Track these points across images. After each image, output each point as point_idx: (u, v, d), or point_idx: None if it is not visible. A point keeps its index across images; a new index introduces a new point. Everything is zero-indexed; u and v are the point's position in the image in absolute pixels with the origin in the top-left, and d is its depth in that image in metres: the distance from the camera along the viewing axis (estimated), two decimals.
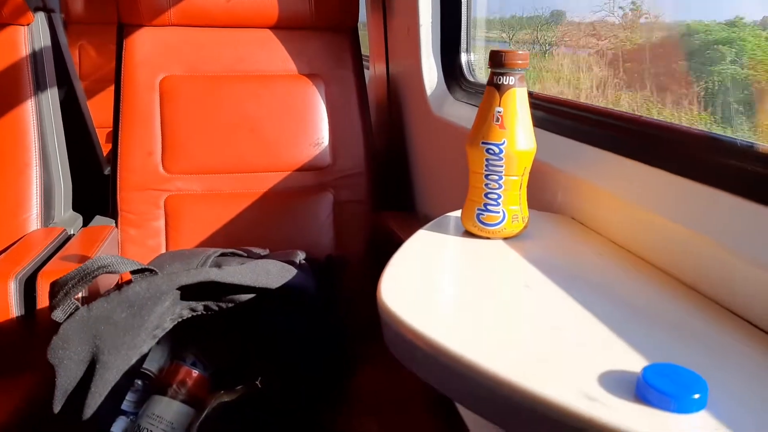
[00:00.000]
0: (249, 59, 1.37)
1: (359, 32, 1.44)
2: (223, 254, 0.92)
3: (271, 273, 0.81)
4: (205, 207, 1.31)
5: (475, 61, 1.27)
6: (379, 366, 1.13)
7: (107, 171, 1.57)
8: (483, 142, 0.64)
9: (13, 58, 1.25)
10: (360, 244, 1.35)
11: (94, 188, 1.41)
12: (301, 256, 0.96)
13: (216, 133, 1.33)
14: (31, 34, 1.28)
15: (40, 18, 1.32)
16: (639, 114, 0.81)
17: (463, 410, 0.76)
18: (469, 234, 0.69)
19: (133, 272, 0.76)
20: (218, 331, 0.86)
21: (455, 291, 0.59)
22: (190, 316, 0.80)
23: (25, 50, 1.26)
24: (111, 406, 0.75)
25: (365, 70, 1.45)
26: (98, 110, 1.65)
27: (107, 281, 0.98)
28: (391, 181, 1.47)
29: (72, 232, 1.24)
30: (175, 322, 0.79)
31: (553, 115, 0.90)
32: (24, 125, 1.24)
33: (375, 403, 0.99)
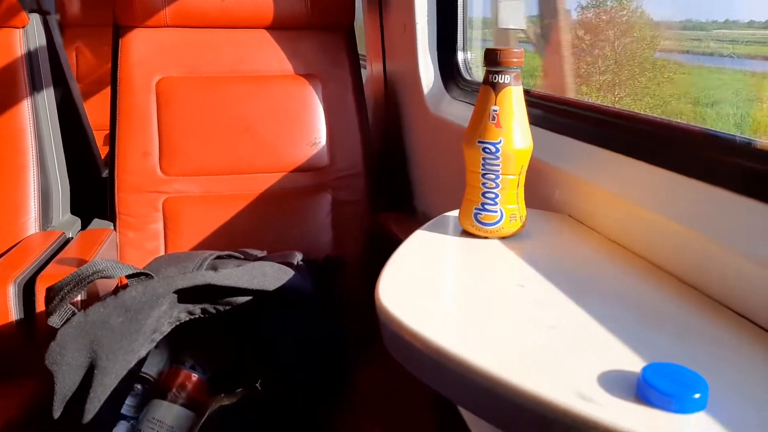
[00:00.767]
0: (245, 60, 1.37)
1: (355, 31, 1.44)
2: (219, 257, 0.92)
3: (268, 275, 0.81)
4: (203, 209, 1.31)
5: (471, 59, 1.26)
6: (378, 367, 1.13)
7: (105, 173, 1.57)
8: (479, 141, 0.64)
9: (8, 60, 1.24)
10: (358, 245, 1.35)
11: (92, 191, 1.41)
12: (298, 257, 0.96)
13: (213, 134, 1.33)
14: (27, 37, 1.28)
15: (35, 20, 1.32)
16: (636, 111, 0.81)
17: (464, 411, 0.75)
18: (467, 234, 0.69)
19: (128, 276, 0.76)
20: (216, 334, 0.85)
21: (453, 291, 0.59)
22: (187, 319, 0.80)
23: (20, 52, 1.26)
24: (111, 411, 0.74)
25: (362, 70, 1.44)
26: (95, 112, 1.65)
27: (105, 285, 0.98)
28: (389, 180, 1.47)
29: (70, 236, 1.24)
30: (173, 326, 0.79)
31: (550, 113, 0.90)
32: (20, 128, 1.23)
33: (375, 405, 0.99)
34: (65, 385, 0.71)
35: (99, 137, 1.61)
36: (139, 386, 0.80)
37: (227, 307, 0.79)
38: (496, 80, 0.63)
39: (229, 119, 1.34)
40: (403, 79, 1.40)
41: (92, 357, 0.70)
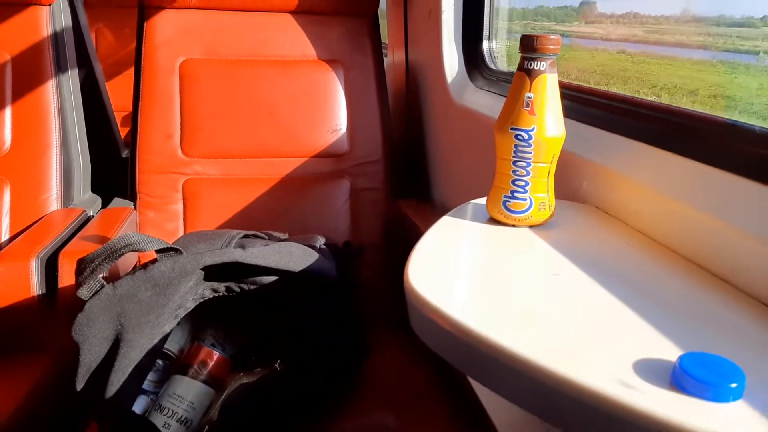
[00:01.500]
0: (269, 44, 1.37)
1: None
2: (245, 236, 0.92)
3: (294, 256, 0.81)
4: (223, 191, 1.31)
5: (497, 48, 1.26)
6: (393, 352, 1.14)
7: (125, 154, 1.58)
8: (512, 128, 0.64)
9: (35, 37, 1.25)
10: (376, 232, 1.35)
11: (112, 170, 1.42)
12: (321, 241, 0.96)
13: (235, 117, 1.33)
14: (53, 15, 1.28)
15: None
16: (664, 102, 0.80)
17: (483, 398, 0.76)
18: (494, 221, 0.69)
19: (158, 251, 0.76)
20: (237, 313, 0.86)
21: (482, 276, 0.59)
22: (211, 296, 0.80)
23: (46, 30, 1.26)
24: (133, 385, 0.75)
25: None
26: (114, 94, 1.65)
27: (126, 262, 0.98)
28: (407, 169, 1.47)
29: (91, 214, 1.25)
30: (197, 303, 0.80)
31: (578, 104, 0.89)
32: (45, 105, 1.24)
33: (390, 390, 0.99)
34: (90, 356, 0.72)
35: (117, 118, 1.62)
36: (160, 362, 0.81)
37: (252, 286, 0.79)
38: (531, 67, 0.62)
39: (251, 103, 1.34)
40: (425, 67, 1.39)
41: (119, 330, 0.71)
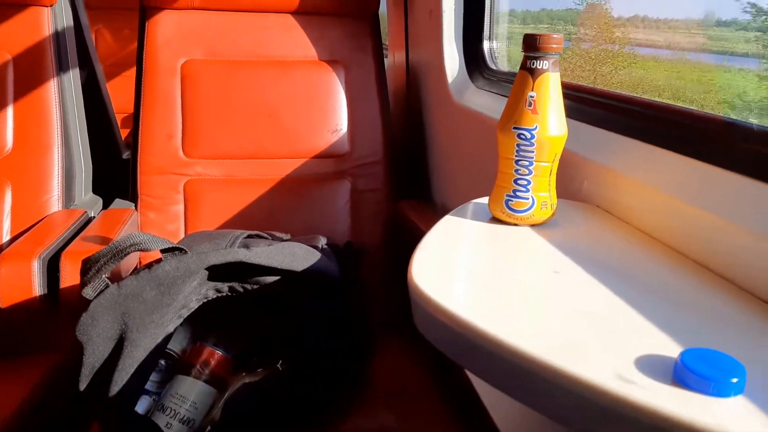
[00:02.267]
0: (270, 44, 1.37)
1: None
2: (249, 236, 0.92)
3: (298, 256, 0.81)
4: (224, 192, 1.31)
5: (497, 48, 1.26)
6: (394, 354, 1.14)
7: (125, 155, 1.58)
8: (515, 127, 0.64)
9: (36, 38, 1.25)
10: (377, 233, 1.35)
11: (113, 172, 1.42)
12: (323, 241, 0.96)
13: (236, 118, 1.33)
14: (54, 15, 1.28)
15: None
16: (666, 102, 0.80)
17: (484, 396, 0.76)
18: (496, 220, 0.69)
19: (163, 251, 0.76)
20: (240, 314, 0.86)
21: (485, 274, 0.59)
22: (215, 297, 0.80)
23: (48, 31, 1.26)
24: (136, 385, 0.75)
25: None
26: (113, 95, 1.66)
27: (128, 262, 0.98)
28: (408, 169, 1.47)
29: (93, 215, 1.25)
30: (201, 303, 0.80)
31: (578, 103, 0.90)
32: (47, 106, 1.24)
33: (391, 391, 0.99)
34: (94, 356, 0.72)
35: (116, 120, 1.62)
36: (163, 362, 0.81)
37: (255, 287, 0.79)
38: (534, 66, 0.63)
39: (253, 104, 1.34)
40: (426, 67, 1.39)
41: (123, 329, 0.71)
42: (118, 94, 1.69)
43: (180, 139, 1.31)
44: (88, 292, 0.71)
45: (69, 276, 0.94)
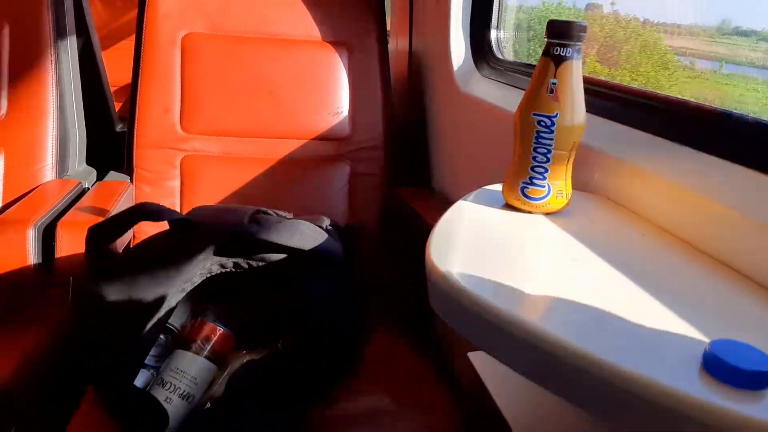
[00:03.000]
0: (273, 21, 1.35)
1: None
2: (256, 212, 0.91)
3: (305, 234, 0.80)
4: (221, 169, 1.30)
5: (505, 38, 1.25)
6: (390, 336, 1.14)
7: (119, 128, 1.55)
8: (534, 114, 0.63)
9: (35, 5, 1.22)
10: (374, 218, 1.34)
11: (107, 144, 1.39)
12: (327, 222, 0.95)
13: (236, 95, 1.31)
14: None
15: None
16: (678, 95, 0.81)
17: (488, 382, 0.76)
18: (509, 207, 0.69)
19: (170, 222, 0.75)
20: (241, 291, 0.85)
21: (503, 258, 0.59)
22: (219, 272, 0.79)
23: None
24: (136, 359, 0.74)
25: None
26: (106, 68, 1.62)
27: (127, 234, 0.96)
28: (408, 156, 1.46)
29: (87, 186, 1.23)
30: (204, 278, 0.79)
31: (590, 95, 0.89)
32: (42, 73, 1.21)
33: (386, 373, 0.99)
34: (94, 327, 0.70)
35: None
36: (162, 337, 0.80)
37: (260, 264, 0.78)
38: (557, 53, 0.62)
39: (253, 81, 1.32)
40: (431, 54, 1.38)
41: (126, 301, 0.70)
42: (111, 66, 1.65)
43: (178, 113, 1.29)
44: (93, 261, 0.69)
45: (65, 245, 0.92)
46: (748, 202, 0.58)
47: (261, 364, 0.77)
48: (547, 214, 0.67)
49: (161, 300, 0.72)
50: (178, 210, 1.27)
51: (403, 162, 1.43)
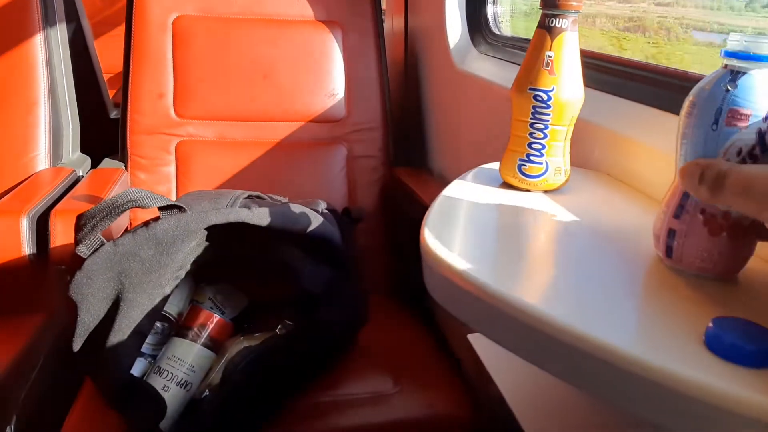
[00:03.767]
0: (266, 1, 1.33)
1: None
2: (249, 197, 0.90)
3: (300, 219, 0.79)
4: (216, 154, 1.28)
5: (501, 13, 1.23)
6: (390, 319, 1.13)
7: (113, 114, 1.54)
8: (531, 88, 0.62)
9: None
10: (373, 199, 1.33)
11: (101, 131, 1.38)
12: (323, 206, 0.94)
13: (229, 78, 1.29)
14: None
15: None
16: (678, 68, 0.78)
17: (489, 365, 0.75)
18: (507, 186, 0.67)
19: (161, 208, 0.73)
20: (238, 276, 0.84)
21: (499, 238, 0.57)
22: (212, 258, 0.78)
23: None
24: (132, 347, 0.73)
25: None
26: (99, 55, 1.60)
27: (120, 221, 0.95)
28: (405, 136, 1.45)
29: (81, 174, 1.21)
30: (197, 264, 0.77)
31: (589, 69, 0.87)
32: (32, 61, 1.19)
33: (387, 355, 0.98)
34: (89, 317, 0.69)
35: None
36: (159, 325, 0.79)
37: (254, 248, 0.77)
38: (552, 24, 0.60)
39: (246, 63, 1.30)
40: (426, 31, 1.36)
41: (119, 289, 0.69)
42: (106, 53, 1.63)
43: (171, 98, 1.27)
44: (83, 249, 0.68)
45: (59, 234, 0.91)
46: None
47: (257, 351, 0.76)
48: (545, 191, 0.66)
49: (154, 287, 0.71)
50: (174, 196, 1.26)
51: (401, 142, 1.41)
